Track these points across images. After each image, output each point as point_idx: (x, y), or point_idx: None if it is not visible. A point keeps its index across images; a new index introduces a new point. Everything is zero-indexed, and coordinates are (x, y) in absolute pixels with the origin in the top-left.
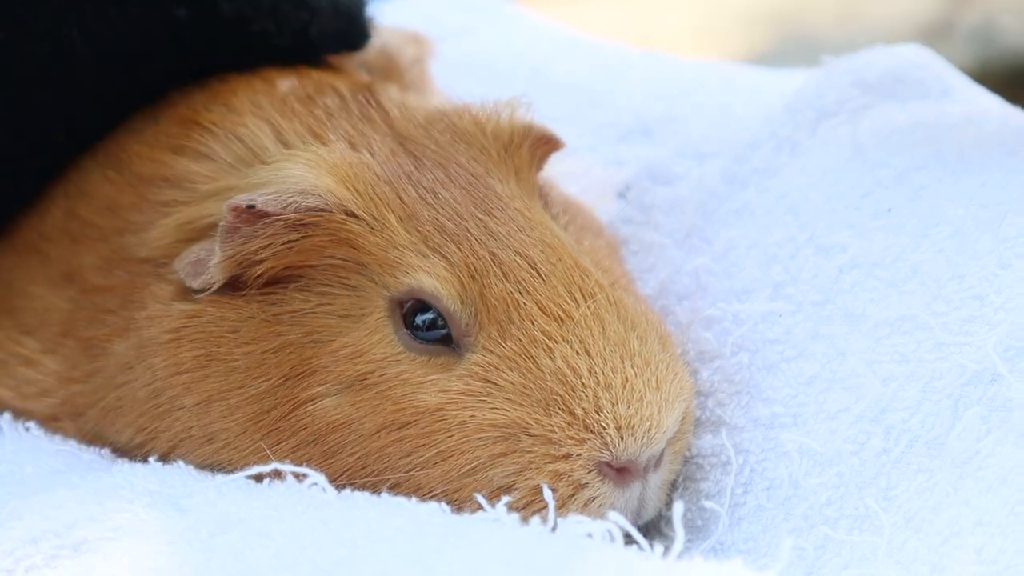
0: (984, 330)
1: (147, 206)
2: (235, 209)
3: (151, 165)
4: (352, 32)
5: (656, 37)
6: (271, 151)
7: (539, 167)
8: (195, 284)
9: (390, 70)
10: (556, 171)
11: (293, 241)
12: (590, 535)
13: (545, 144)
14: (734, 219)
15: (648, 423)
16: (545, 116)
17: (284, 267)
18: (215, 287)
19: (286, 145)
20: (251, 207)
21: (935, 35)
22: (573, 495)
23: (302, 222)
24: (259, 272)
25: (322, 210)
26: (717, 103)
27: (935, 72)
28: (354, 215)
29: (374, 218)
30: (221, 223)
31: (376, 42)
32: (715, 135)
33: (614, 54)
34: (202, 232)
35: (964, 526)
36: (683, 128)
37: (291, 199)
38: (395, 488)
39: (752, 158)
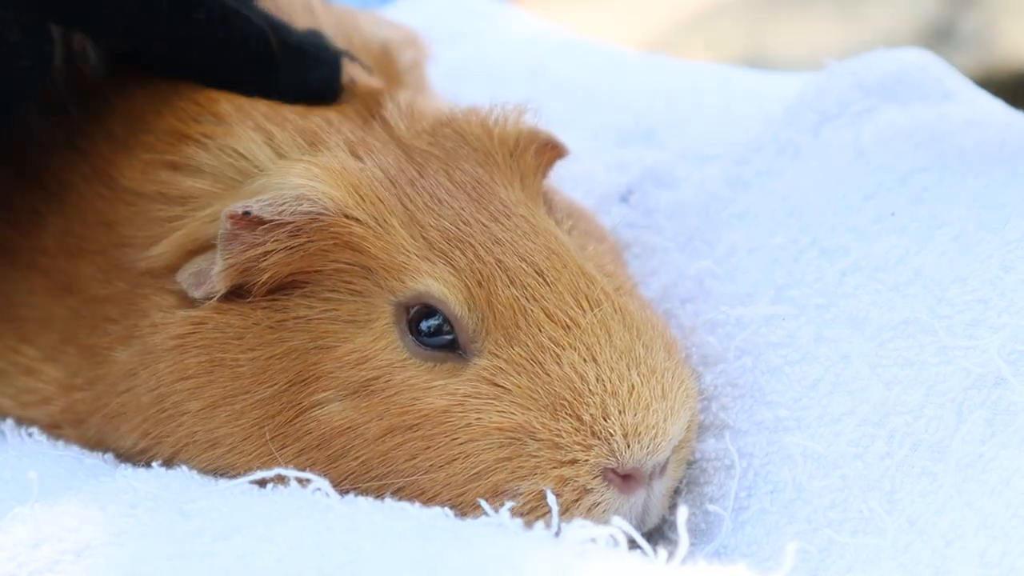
0: (988, 333)
1: (144, 221)
2: (232, 216)
3: (145, 181)
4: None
5: (655, 39)
6: (266, 162)
7: (544, 173)
8: (197, 294)
9: (389, 70)
10: (558, 175)
11: (295, 247)
12: (594, 540)
13: (551, 150)
14: (736, 222)
15: (654, 431)
16: (545, 119)
17: (289, 273)
18: (218, 296)
19: (280, 155)
20: (247, 213)
21: (937, 39)
22: (577, 500)
23: (302, 227)
24: (264, 279)
25: (320, 214)
26: (718, 106)
27: (936, 75)
28: (356, 219)
29: (377, 222)
30: (220, 231)
31: (378, 38)
32: (717, 138)
33: (614, 56)
34: (203, 247)
35: (967, 529)
36: (684, 131)
37: (285, 204)
38: (399, 492)
39: (754, 161)
